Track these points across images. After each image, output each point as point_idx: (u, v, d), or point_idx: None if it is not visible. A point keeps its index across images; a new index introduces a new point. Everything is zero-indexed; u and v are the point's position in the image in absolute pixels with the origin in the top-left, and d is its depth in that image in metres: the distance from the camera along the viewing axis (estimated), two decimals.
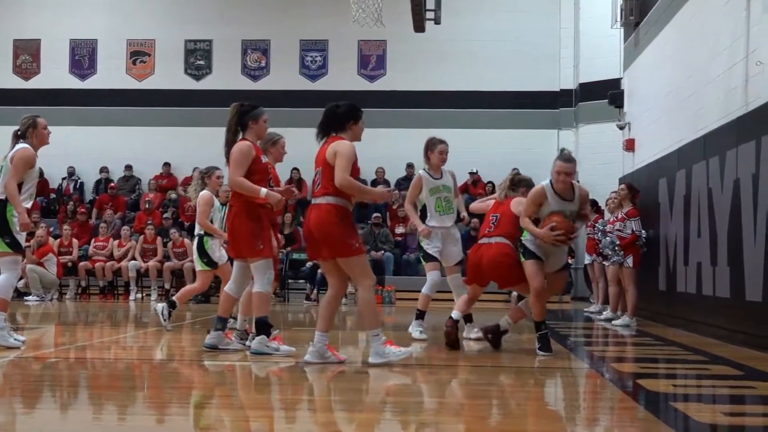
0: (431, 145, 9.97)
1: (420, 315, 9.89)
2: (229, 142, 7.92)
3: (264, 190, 7.72)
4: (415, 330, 9.80)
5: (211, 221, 10.11)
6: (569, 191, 8.29)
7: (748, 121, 9.82)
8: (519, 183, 8.95)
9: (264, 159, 7.98)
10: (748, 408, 6.01)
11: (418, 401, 6.06)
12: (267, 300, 7.94)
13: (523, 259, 8.33)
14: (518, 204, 8.65)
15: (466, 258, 9.19)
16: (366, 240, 19.48)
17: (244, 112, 7.96)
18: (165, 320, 10.19)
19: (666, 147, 13.43)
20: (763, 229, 9.08)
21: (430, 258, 9.86)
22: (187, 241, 18.57)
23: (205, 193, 10.10)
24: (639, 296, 12.56)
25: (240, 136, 7.94)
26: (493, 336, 8.70)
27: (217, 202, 10.26)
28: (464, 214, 10.45)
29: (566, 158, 8.37)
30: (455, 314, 9.10)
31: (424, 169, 10.04)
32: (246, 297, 8.41)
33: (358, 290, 7.28)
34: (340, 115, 7.36)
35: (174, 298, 10.51)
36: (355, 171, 7.22)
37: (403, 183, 20.13)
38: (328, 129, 7.35)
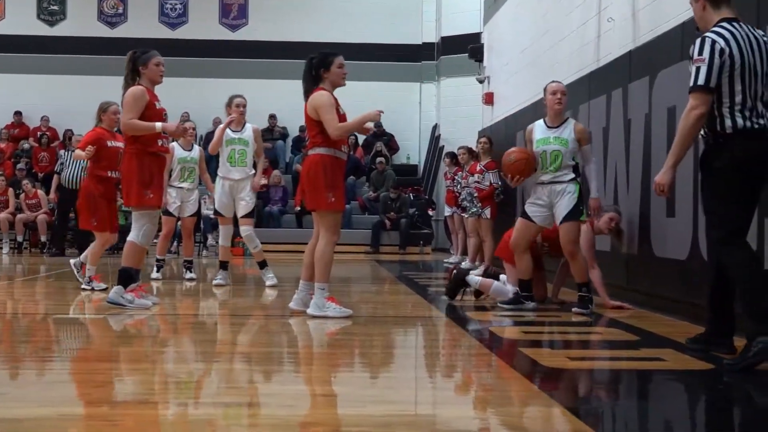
0: (229, 101, 10.18)
1: (222, 265, 10.39)
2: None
3: (159, 124, 7.64)
4: (218, 279, 10.29)
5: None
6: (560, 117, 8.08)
7: (600, 76, 10.12)
8: None
9: (158, 105, 7.81)
10: (595, 353, 6.26)
11: (272, 351, 6.07)
12: (137, 252, 7.76)
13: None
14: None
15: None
16: None
17: (135, 58, 7.82)
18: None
19: (523, 101, 13.72)
20: (612, 180, 9.42)
21: (218, 213, 10.32)
22: (40, 192, 18.01)
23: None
24: (496, 247, 12.83)
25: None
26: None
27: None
28: (262, 180, 10.72)
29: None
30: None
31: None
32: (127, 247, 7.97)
33: (321, 241, 7.25)
34: (313, 66, 7.39)
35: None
36: (340, 117, 7.26)
37: (266, 134, 19.98)
38: (308, 84, 7.37)
